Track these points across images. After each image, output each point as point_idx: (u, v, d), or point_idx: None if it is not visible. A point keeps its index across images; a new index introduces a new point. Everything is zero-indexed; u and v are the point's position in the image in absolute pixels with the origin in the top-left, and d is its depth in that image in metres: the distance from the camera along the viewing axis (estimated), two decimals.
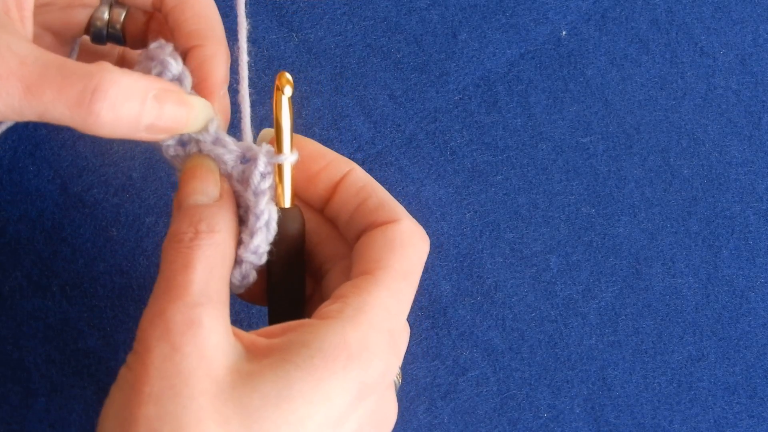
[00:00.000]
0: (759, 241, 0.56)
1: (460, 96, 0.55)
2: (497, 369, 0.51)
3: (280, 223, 0.37)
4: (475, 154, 0.54)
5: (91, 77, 0.33)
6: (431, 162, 0.54)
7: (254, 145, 0.37)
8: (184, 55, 0.39)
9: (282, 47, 0.54)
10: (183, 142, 0.37)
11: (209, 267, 0.33)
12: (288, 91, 0.36)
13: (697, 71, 0.59)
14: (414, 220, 0.37)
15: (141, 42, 0.41)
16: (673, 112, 0.58)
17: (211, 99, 0.37)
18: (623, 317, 0.53)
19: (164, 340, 0.31)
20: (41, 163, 0.49)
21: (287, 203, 0.37)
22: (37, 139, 0.49)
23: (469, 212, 0.53)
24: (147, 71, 0.37)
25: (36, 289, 0.47)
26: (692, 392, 0.53)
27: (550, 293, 0.53)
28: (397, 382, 0.38)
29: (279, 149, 0.37)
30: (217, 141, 0.37)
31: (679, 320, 0.54)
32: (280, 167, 0.37)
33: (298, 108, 0.53)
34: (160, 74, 0.37)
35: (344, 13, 0.55)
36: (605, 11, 0.59)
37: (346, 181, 0.38)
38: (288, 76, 0.36)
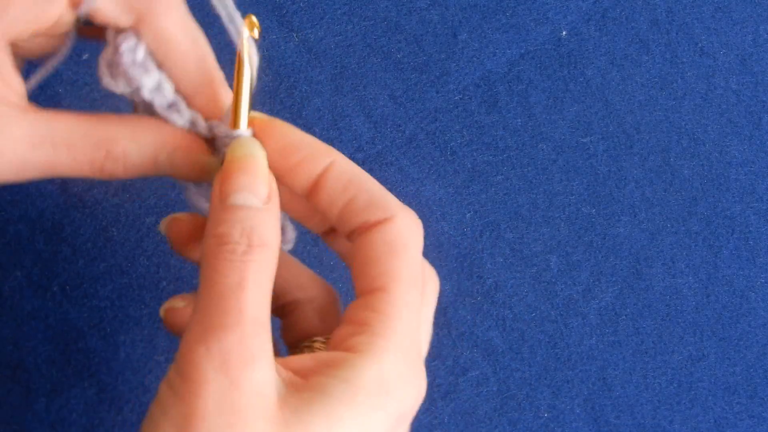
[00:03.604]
0: (759, 241, 0.56)
1: (460, 96, 0.55)
2: (497, 369, 0.51)
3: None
4: (475, 154, 0.54)
5: (99, 148, 0.34)
6: (431, 162, 0.54)
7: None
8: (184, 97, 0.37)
9: (282, 47, 0.54)
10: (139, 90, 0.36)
11: (260, 287, 0.32)
12: (255, 33, 0.35)
13: (697, 71, 0.59)
14: (405, 209, 0.35)
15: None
16: (673, 112, 0.58)
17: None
18: (623, 317, 0.53)
19: (222, 374, 0.29)
20: None
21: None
22: None
23: (469, 212, 0.53)
24: (127, 78, 0.36)
25: (36, 289, 0.47)
26: (692, 392, 0.53)
27: (550, 293, 0.53)
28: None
29: (235, 118, 0.35)
30: (172, 106, 0.36)
31: (679, 320, 0.54)
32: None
33: (298, 108, 0.53)
34: (138, 87, 0.36)
35: (344, 13, 0.55)
36: (605, 11, 0.59)
37: (328, 176, 0.35)
38: (254, 18, 0.35)
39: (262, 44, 0.54)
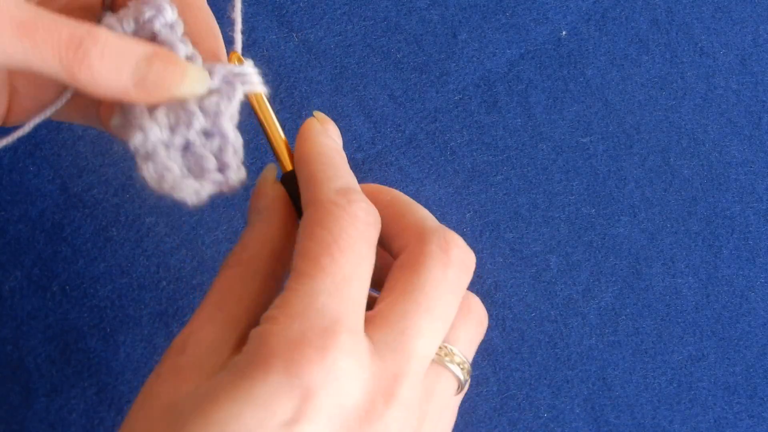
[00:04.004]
0: (759, 241, 0.56)
1: (460, 96, 0.55)
2: (497, 369, 0.51)
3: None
4: (475, 154, 0.54)
5: (83, 25, 0.32)
6: (431, 162, 0.54)
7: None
8: None
9: (282, 47, 0.54)
10: None
11: (224, 296, 0.34)
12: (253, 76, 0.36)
13: (697, 71, 0.59)
14: (337, 190, 0.34)
15: None
16: (673, 112, 0.58)
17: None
18: (623, 317, 0.53)
19: (157, 364, 0.33)
20: (41, 163, 0.49)
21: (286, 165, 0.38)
22: (37, 139, 0.49)
23: (469, 212, 0.53)
24: (138, 14, 0.36)
25: (36, 289, 0.47)
26: (692, 392, 0.53)
27: (550, 293, 0.53)
28: (461, 377, 0.35)
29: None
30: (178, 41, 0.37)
31: (679, 320, 0.54)
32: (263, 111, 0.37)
33: (298, 108, 0.53)
34: (152, 18, 0.36)
35: (344, 13, 0.55)
36: (605, 11, 0.59)
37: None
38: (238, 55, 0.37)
39: (262, 44, 0.54)
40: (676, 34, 0.59)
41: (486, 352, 0.51)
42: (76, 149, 0.50)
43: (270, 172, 0.37)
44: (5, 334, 0.46)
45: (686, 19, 0.60)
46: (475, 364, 0.51)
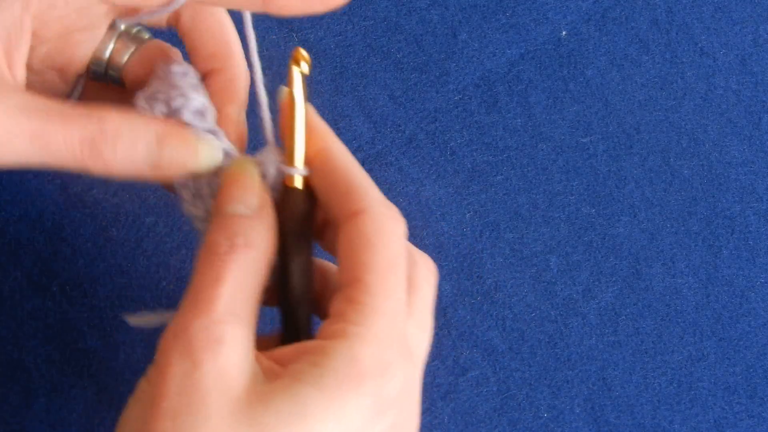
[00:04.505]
0: (759, 241, 0.56)
1: (460, 96, 0.55)
2: (497, 369, 0.51)
3: (287, 203, 0.36)
4: (475, 154, 0.54)
5: (92, 120, 0.33)
6: (431, 162, 0.54)
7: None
8: (203, 76, 0.39)
9: (282, 47, 0.54)
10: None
11: (240, 283, 0.33)
12: (304, 67, 0.35)
13: (697, 71, 0.59)
14: (382, 201, 0.35)
15: (142, 86, 0.40)
16: (673, 112, 0.58)
17: (228, 127, 0.38)
18: (623, 317, 0.53)
19: (186, 356, 0.31)
20: None
21: (297, 181, 0.36)
22: None
23: (469, 212, 0.53)
24: (166, 97, 0.36)
25: (36, 289, 0.47)
26: (692, 392, 0.53)
27: (550, 293, 0.53)
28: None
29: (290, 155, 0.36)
30: (211, 132, 0.36)
31: (679, 320, 0.54)
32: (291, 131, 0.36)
33: None
34: (181, 107, 0.36)
35: (344, 13, 0.55)
36: (605, 11, 0.59)
37: (317, 162, 0.36)
38: (304, 51, 0.35)
39: (262, 44, 0.54)
40: (676, 34, 0.59)
41: (486, 352, 0.51)
42: None
43: (252, 167, 0.36)
44: (5, 334, 0.46)
45: (686, 19, 0.60)
46: (475, 363, 0.51)
